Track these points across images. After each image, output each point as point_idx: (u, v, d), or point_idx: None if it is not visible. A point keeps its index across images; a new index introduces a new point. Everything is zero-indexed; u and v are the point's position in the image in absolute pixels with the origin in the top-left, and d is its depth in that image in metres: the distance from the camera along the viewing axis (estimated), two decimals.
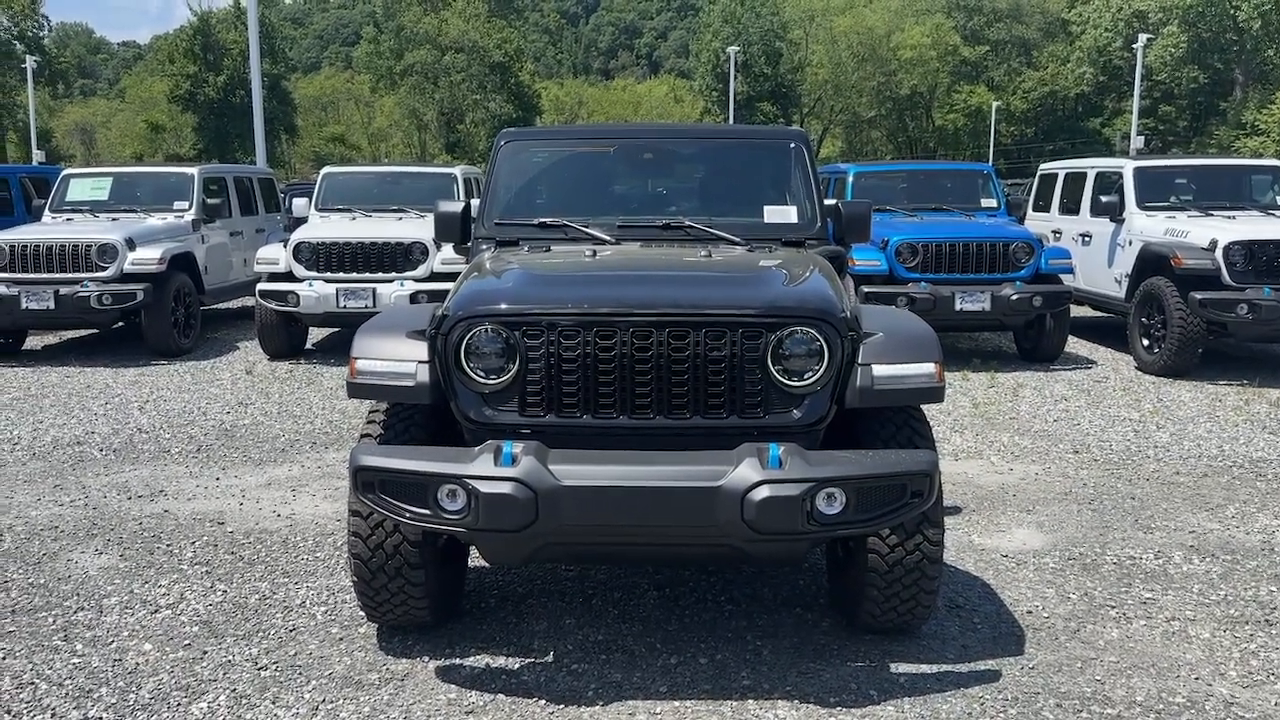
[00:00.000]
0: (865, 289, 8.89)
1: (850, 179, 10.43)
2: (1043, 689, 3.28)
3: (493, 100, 57.96)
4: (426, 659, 3.47)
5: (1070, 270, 9.33)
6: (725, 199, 4.73)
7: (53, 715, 3.11)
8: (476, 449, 3.12)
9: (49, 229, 9.70)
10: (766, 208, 4.55)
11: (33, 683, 3.30)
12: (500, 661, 3.46)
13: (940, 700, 3.20)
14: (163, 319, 9.48)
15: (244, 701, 3.19)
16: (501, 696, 3.22)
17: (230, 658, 3.48)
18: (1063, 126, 59.19)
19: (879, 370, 3.30)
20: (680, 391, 3.23)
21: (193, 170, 10.82)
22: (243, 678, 3.34)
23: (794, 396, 3.27)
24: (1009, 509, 5.14)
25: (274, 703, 3.18)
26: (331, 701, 3.19)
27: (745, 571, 4.21)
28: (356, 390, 3.38)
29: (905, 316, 3.77)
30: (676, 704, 3.18)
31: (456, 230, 4.59)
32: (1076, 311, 10.03)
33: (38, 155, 34.16)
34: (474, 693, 3.24)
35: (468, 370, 3.27)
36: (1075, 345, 10.04)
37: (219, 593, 4.04)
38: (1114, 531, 4.80)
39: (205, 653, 3.52)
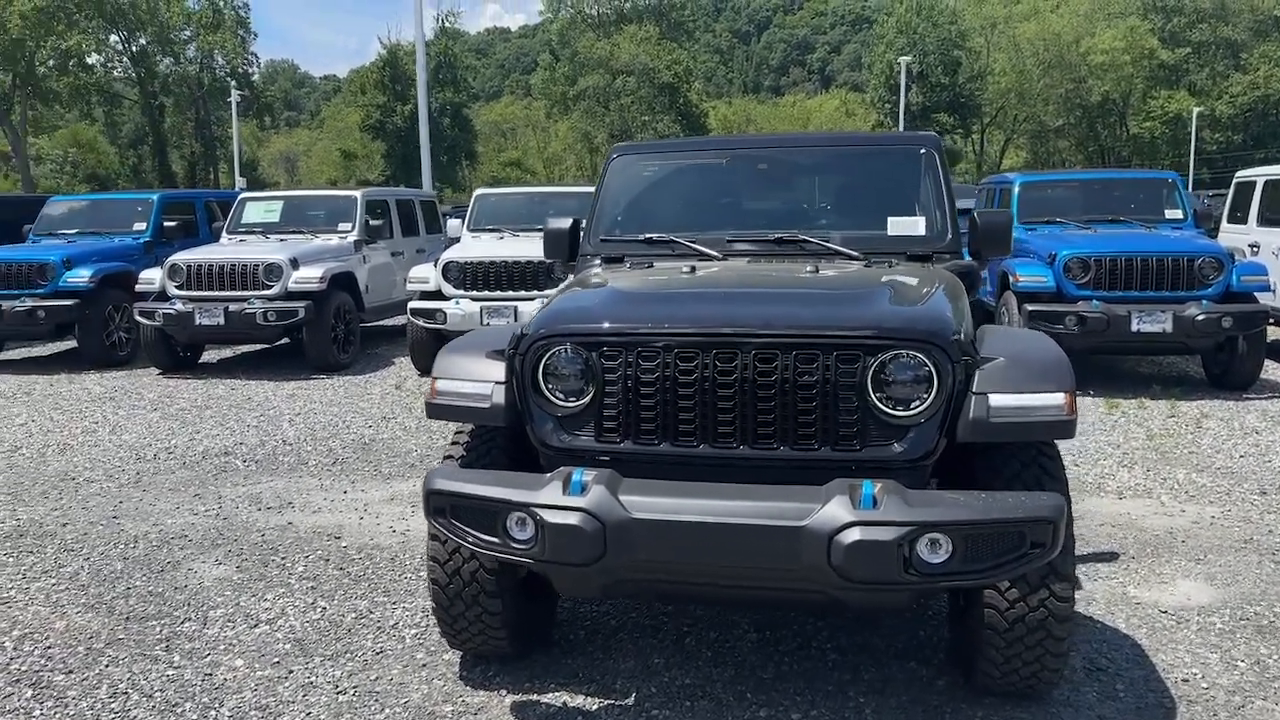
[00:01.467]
0: (1029, 307, 8.28)
1: (1016, 190, 9.77)
2: None
3: (661, 121, 58.66)
4: (504, 692, 3.33)
5: (1267, 288, 8.38)
6: (846, 211, 4.42)
7: None
8: (548, 476, 2.95)
9: (223, 250, 10.30)
10: (891, 219, 4.21)
11: (126, 692, 3.36)
12: (579, 700, 3.28)
13: None
14: (323, 335, 9.88)
15: None
16: None
17: (313, 679, 3.45)
18: (1275, 132, 54.45)
19: (996, 400, 2.92)
20: (767, 419, 2.96)
21: (356, 193, 11.27)
22: (320, 701, 3.29)
23: (896, 428, 2.94)
24: (1175, 557, 4.55)
25: None
26: None
27: (856, 617, 3.86)
28: (434, 411, 3.28)
29: (1035, 339, 3.35)
30: None
31: (564, 247, 4.49)
32: (1275, 334, 9.01)
33: (240, 181, 36.91)
34: None
35: (545, 392, 3.12)
36: (1273, 371, 9.01)
37: (318, 610, 4.04)
38: None
39: (291, 672, 3.50)
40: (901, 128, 42.63)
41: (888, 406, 2.94)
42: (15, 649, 3.71)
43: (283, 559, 4.63)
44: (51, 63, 46.25)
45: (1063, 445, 6.38)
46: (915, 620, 3.83)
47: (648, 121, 58.89)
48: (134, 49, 53.37)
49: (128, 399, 8.69)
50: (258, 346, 11.40)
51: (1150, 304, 8.08)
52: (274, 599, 4.16)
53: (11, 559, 4.67)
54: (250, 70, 60.02)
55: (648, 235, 4.29)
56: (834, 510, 2.73)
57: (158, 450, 6.75)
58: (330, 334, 9.96)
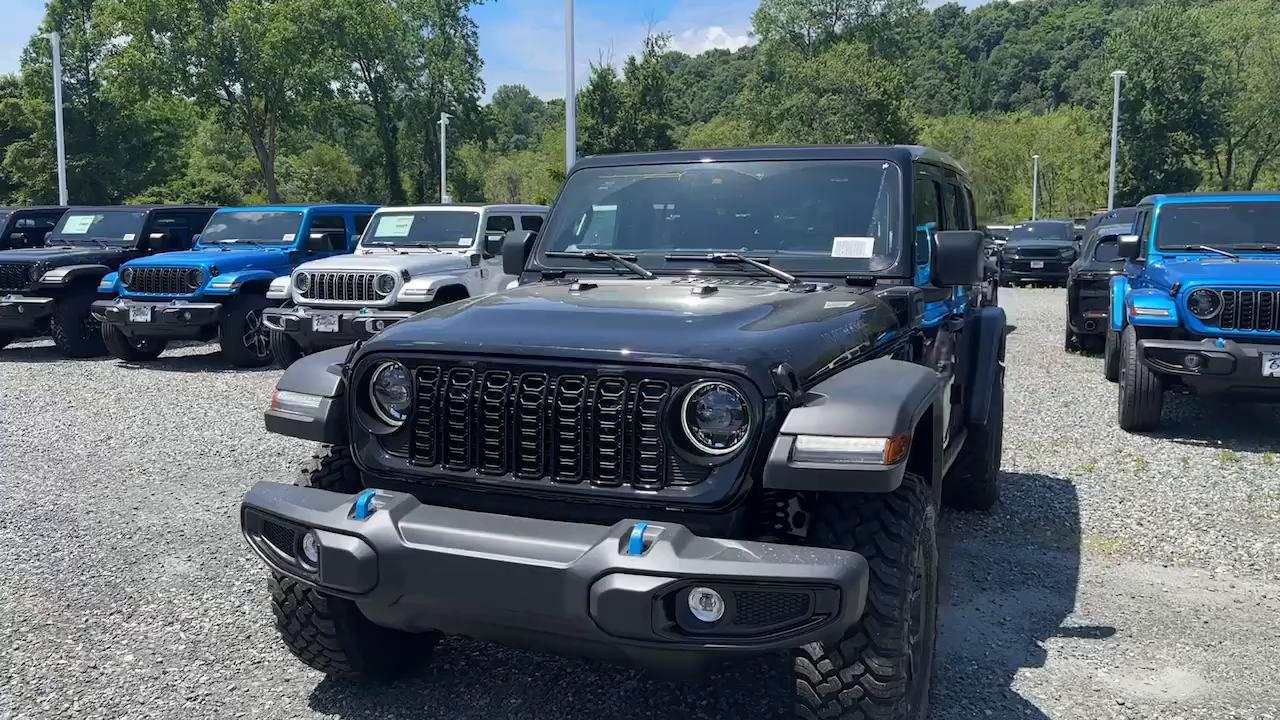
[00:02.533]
0: (1145, 344, 7.39)
1: (1157, 213, 8.77)
2: None
3: (866, 139, 57.46)
4: (337, 717, 3.25)
5: None
6: (798, 229, 4.11)
7: None
8: (346, 498, 2.87)
9: (346, 261, 10.86)
10: (837, 240, 3.87)
11: (10, 676, 3.54)
12: None
13: None
14: None
15: None
16: None
17: (177, 682, 3.50)
18: None
19: (804, 443, 2.57)
20: (569, 450, 2.75)
21: (479, 210, 11.61)
22: (165, 704, 3.33)
23: (699, 468, 2.65)
24: (1183, 640, 3.88)
25: None
26: None
27: (745, 670, 3.51)
28: (270, 423, 3.27)
29: (890, 377, 2.93)
30: None
31: (520, 262, 4.41)
32: None
33: (447, 199, 39.12)
34: None
35: (370, 409, 3.04)
36: None
37: (239, 613, 4.11)
38: None
39: (165, 673, 3.57)
40: (1114, 145, 39.54)
41: (704, 444, 2.67)
42: None
43: (246, 560, 4.76)
44: (299, 89, 50.64)
45: (1137, 501, 5.70)
46: None
47: (852, 139, 57.87)
48: (372, 76, 57.65)
49: (238, 398, 9.30)
50: None
51: None
52: (208, 599, 4.28)
53: (20, 539, 5.05)
54: (475, 95, 63.45)
55: (589, 252, 4.16)
56: (599, 555, 2.50)
57: (221, 448, 7.16)
58: None
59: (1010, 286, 23.71)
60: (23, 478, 6.28)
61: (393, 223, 11.85)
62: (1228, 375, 7.07)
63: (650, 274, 3.89)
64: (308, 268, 10.53)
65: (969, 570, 4.65)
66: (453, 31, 60.55)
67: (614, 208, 4.48)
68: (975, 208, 5.68)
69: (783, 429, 2.59)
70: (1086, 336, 12.35)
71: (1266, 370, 6.98)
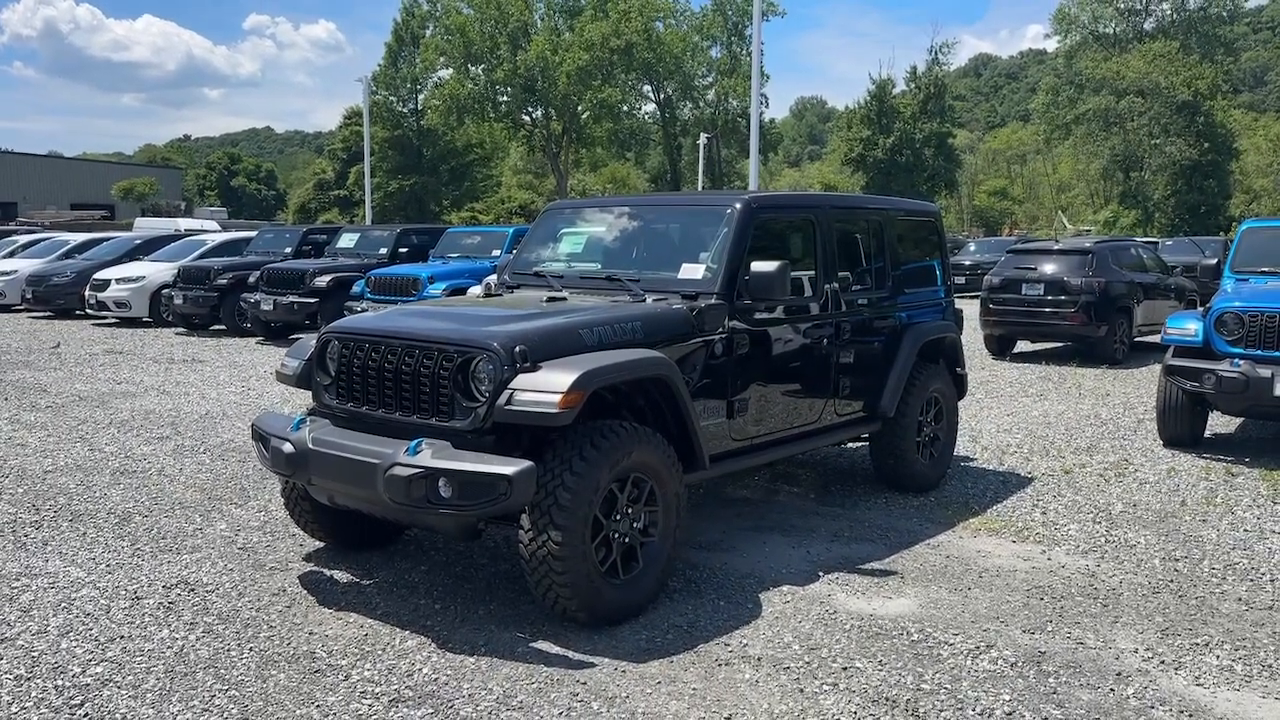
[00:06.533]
0: (1168, 361, 7.81)
1: (1240, 234, 8.91)
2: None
3: (1173, 144, 53.36)
4: (298, 561, 5.13)
5: None
6: (662, 258, 5.49)
7: None
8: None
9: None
10: (684, 265, 5.25)
11: (152, 529, 5.72)
12: (336, 574, 4.96)
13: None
14: None
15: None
16: (305, 591, 4.75)
17: (237, 539, 5.52)
18: None
19: (518, 395, 4.10)
20: (407, 395, 4.43)
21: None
22: (223, 549, 5.35)
23: (468, 409, 4.24)
24: (942, 584, 4.86)
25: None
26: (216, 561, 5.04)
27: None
28: (277, 377, 5.19)
29: (603, 358, 4.29)
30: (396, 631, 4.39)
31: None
32: None
33: None
34: (297, 589, 4.82)
35: (324, 368, 4.87)
36: None
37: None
38: (997, 625, 4.37)
39: (236, 535, 5.61)
40: None
41: (478, 395, 4.25)
42: None
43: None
44: (592, 112, 55.09)
45: (1067, 498, 6.40)
46: None
47: (1158, 144, 53.99)
48: (660, 97, 61.28)
49: None
50: None
51: None
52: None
53: (209, 460, 7.41)
54: (761, 110, 65.39)
55: (536, 270, 5.80)
56: (393, 455, 4.16)
57: None
58: None
59: None
60: (239, 426, 8.80)
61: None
62: (1241, 394, 7.38)
63: (559, 287, 5.45)
64: (490, 279, 12.82)
65: (840, 529, 5.76)
66: (739, 50, 62.83)
67: (576, 233, 6.08)
68: (896, 240, 6.44)
69: (509, 386, 4.13)
70: None
71: (1278, 391, 7.23)
